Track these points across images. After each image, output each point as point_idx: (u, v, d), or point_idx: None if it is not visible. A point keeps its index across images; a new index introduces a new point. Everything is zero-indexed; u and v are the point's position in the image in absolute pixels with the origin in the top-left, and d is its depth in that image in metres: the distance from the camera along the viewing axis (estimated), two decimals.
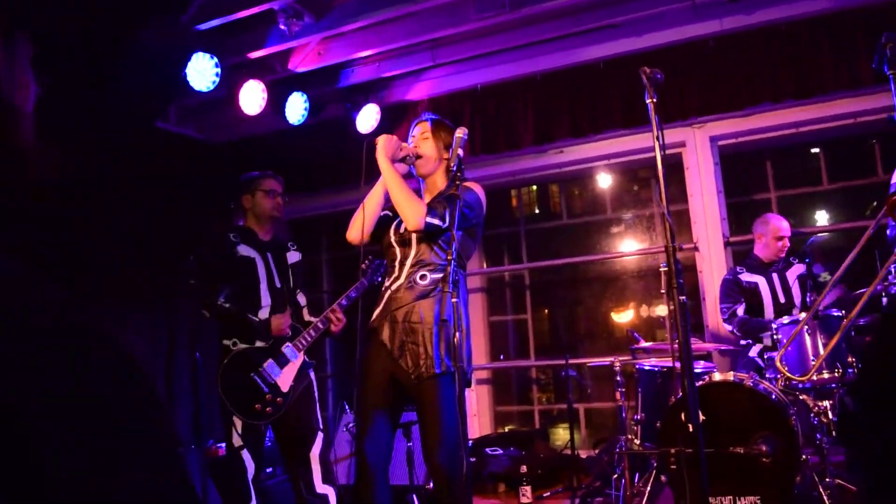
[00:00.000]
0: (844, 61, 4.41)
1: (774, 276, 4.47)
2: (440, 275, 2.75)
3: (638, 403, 4.04)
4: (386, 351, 2.77)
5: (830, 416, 3.55)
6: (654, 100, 2.64)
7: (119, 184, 4.79)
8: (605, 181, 5.89)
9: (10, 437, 0.64)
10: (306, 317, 3.77)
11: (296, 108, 5.16)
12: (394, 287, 2.83)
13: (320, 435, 3.64)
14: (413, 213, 2.75)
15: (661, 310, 5.53)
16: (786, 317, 3.91)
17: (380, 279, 3.39)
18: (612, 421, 5.12)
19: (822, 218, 5.39)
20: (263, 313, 3.58)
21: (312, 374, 3.73)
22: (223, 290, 3.56)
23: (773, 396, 3.53)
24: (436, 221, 2.75)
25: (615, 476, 4.00)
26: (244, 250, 3.63)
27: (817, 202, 5.39)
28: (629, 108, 4.88)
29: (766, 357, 4.04)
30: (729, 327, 4.45)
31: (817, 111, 4.80)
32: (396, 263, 2.88)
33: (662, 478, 3.73)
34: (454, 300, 2.53)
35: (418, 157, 2.94)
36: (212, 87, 4.57)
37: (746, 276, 4.49)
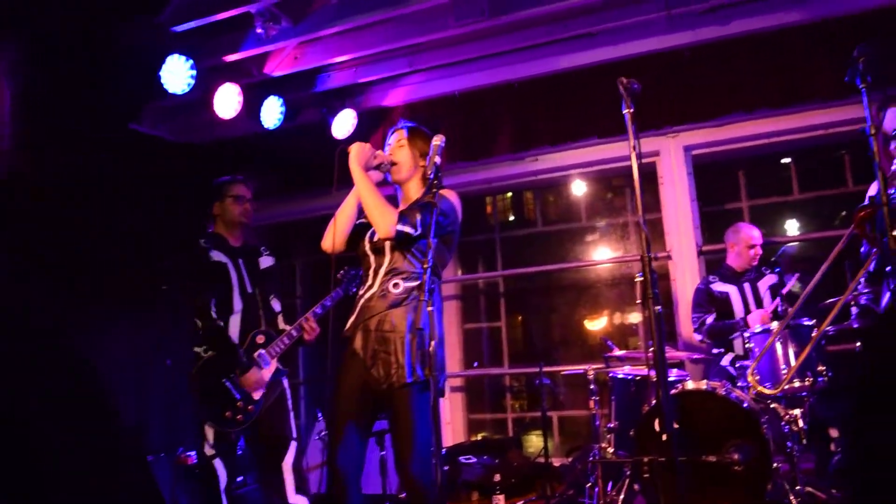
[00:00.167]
0: (818, 73, 4.48)
1: (746, 285, 4.51)
2: (414, 283, 2.74)
3: (611, 411, 4.05)
4: (359, 360, 2.75)
5: (801, 423, 3.60)
6: (632, 110, 2.65)
7: (91, 185, 4.71)
8: (579, 189, 5.92)
9: (10, 437, 0.63)
10: (281, 324, 3.74)
11: (271, 112, 5.11)
12: (367, 296, 2.81)
13: (294, 444, 3.61)
14: (383, 221, 2.73)
15: (635, 317, 5.57)
16: (758, 325, 3.96)
17: (355, 290, 3.36)
18: (586, 429, 5.12)
19: (792, 227, 5.46)
20: (235, 319, 3.56)
21: (286, 382, 3.69)
22: (211, 299, 3.52)
23: (746, 405, 3.56)
24: (407, 229, 2.73)
25: (588, 484, 4.00)
26: (216, 256, 3.60)
27: (788, 212, 5.46)
28: (605, 117, 4.89)
29: (737, 366, 4.08)
30: (699, 337, 4.49)
31: (790, 122, 4.86)
32: (370, 272, 2.86)
33: (636, 486, 3.75)
34: (430, 308, 2.52)
35: (393, 164, 2.93)
36: (187, 90, 4.51)
37: (719, 286, 4.53)
